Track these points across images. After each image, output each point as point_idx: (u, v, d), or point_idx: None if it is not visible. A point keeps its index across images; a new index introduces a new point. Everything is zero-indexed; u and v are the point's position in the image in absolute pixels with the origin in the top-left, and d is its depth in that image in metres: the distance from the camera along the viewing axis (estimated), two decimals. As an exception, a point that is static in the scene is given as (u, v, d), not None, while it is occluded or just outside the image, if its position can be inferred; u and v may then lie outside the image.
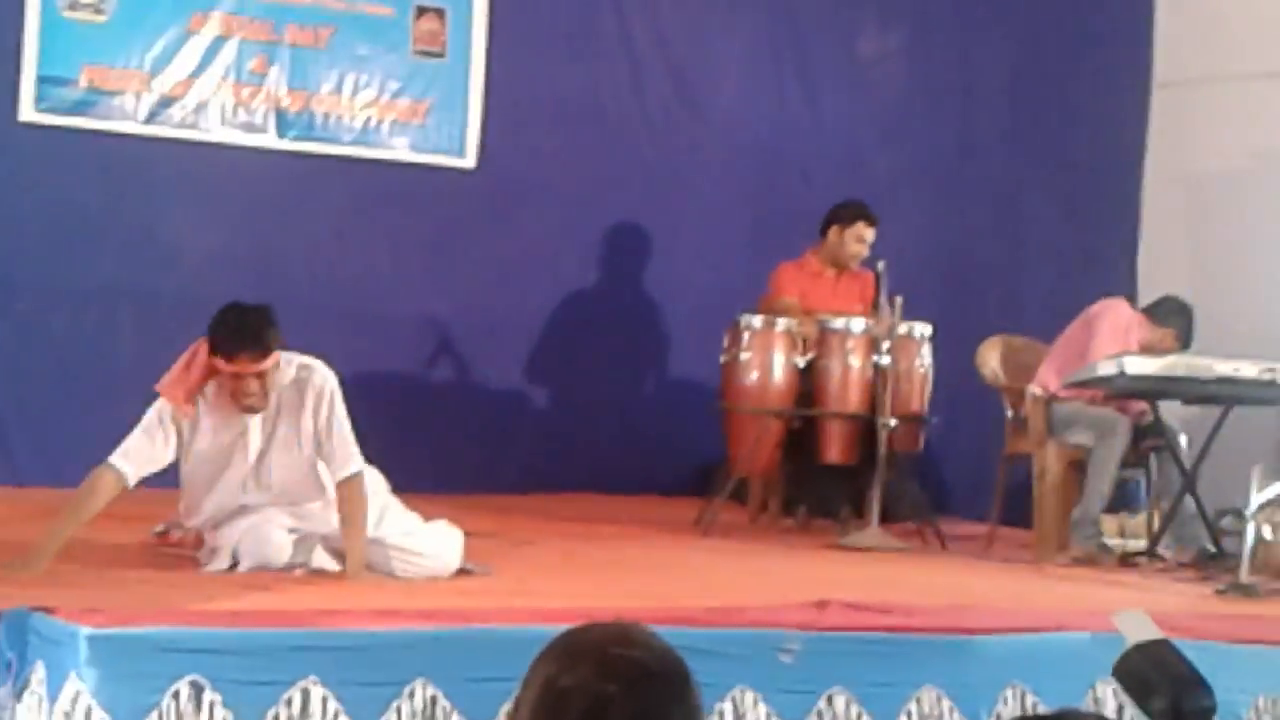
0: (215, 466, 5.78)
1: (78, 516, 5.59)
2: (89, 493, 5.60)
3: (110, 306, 8.32)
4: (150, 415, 5.71)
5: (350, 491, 5.74)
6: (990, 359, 8.49)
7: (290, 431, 5.78)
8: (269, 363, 5.65)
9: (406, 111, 8.95)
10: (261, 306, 5.74)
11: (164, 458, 5.72)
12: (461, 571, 5.96)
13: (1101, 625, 5.42)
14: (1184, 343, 7.99)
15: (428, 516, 6.06)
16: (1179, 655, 2.50)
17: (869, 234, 8.55)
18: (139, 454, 5.65)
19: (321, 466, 5.84)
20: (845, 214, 8.58)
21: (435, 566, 5.88)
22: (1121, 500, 8.30)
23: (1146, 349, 7.85)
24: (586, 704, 2.30)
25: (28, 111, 8.15)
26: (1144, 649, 2.52)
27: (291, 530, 5.77)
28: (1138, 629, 2.53)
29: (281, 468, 5.80)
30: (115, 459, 5.62)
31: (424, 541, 5.93)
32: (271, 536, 5.71)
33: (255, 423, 5.77)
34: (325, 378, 5.83)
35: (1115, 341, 7.81)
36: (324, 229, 8.82)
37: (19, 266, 8.13)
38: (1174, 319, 8.06)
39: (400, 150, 8.97)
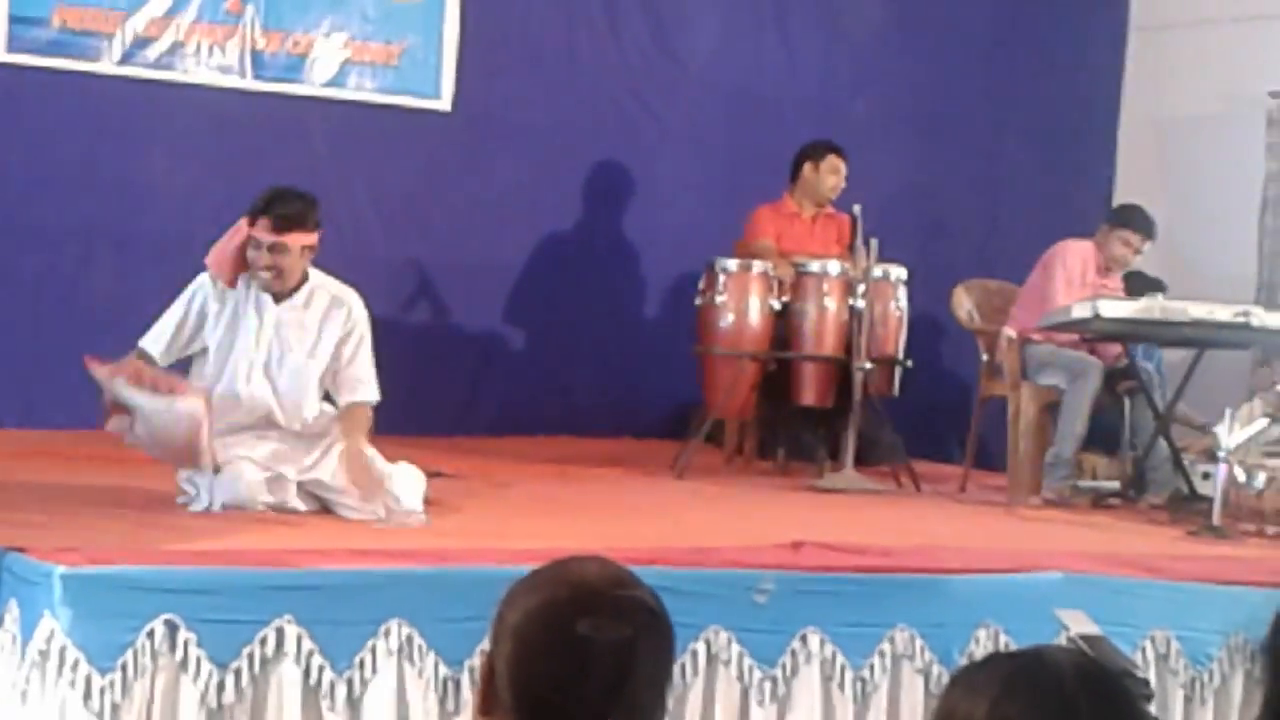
0: (230, 337, 5.86)
1: None
2: None
3: (85, 248, 8.27)
4: (181, 297, 5.93)
5: (354, 411, 5.90)
6: (965, 302, 8.51)
7: (312, 334, 5.91)
8: (301, 237, 5.86)
9: (382, 53, 8.90)
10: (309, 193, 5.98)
11: (185, 339, 5.90)
12: (433, 475, 6.11)
13: (1073, 566, 5.47)
14: (1146, 233, 8.02)
15: (400, 459, 5.99)
16: (1114, 647, 2.57)
17: (842, 166, 8.58)
18: (162, 334, 5.88)
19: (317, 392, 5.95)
20: (814, 150, 8.63)
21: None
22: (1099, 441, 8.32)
23: (1113, 261, 7.94)
24: (614, 652, 2.31)
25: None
26: (1084, 641, 2.59)
27: (265, 469, 5.76)
28: (1077, 624, 2.59)
29: (291, 366, 5.87)
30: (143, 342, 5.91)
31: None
32: (245, 474, 5.70)
33: (281, 308, 5.89)
34: (364, 311, 6.02)
35: (1070, 288, 7.88)
36: (299, 171, 8.71)
37: (-8, 208, 8.10)
38: (1123, 217, 8.15)
39: (375, 92, 8.91)
